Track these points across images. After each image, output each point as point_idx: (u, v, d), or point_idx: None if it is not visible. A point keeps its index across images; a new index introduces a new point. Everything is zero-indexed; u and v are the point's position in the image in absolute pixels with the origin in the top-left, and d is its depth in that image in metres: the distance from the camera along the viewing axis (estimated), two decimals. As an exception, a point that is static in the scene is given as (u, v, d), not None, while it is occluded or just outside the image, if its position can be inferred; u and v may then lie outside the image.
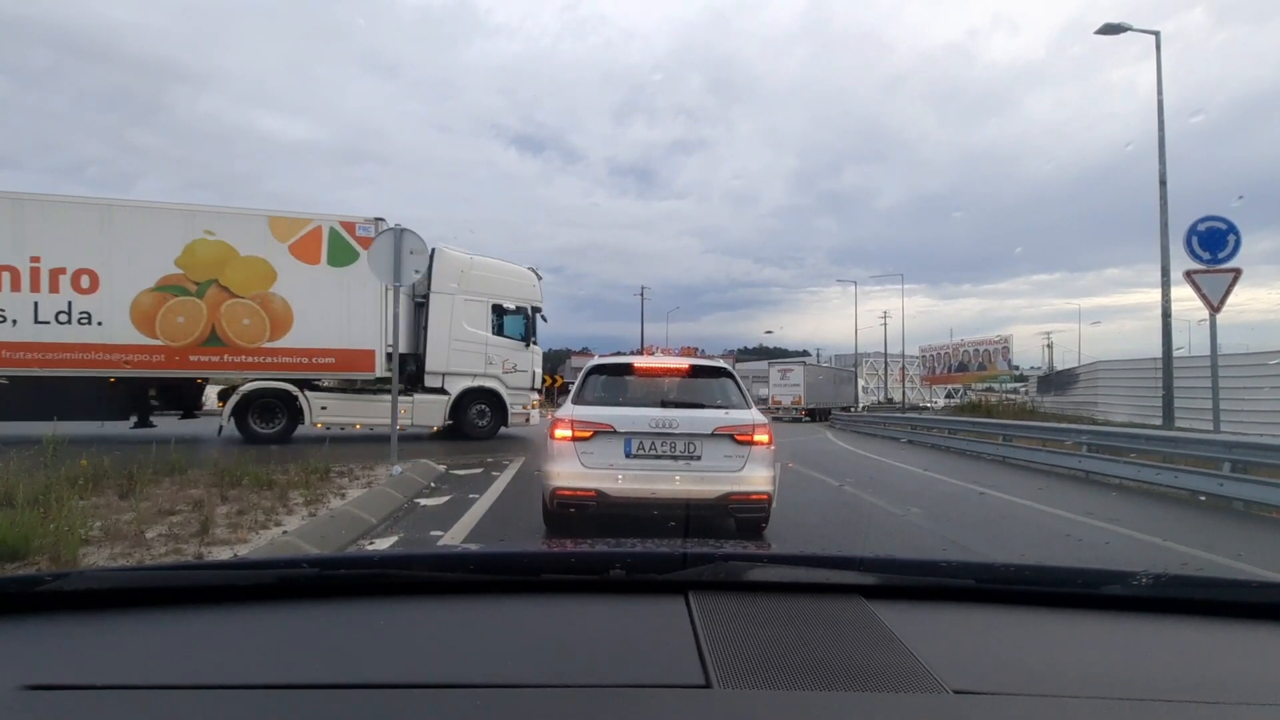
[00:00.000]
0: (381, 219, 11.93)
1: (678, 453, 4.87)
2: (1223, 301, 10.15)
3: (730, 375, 5.60)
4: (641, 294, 54.98)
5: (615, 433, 4.88)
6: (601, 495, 4.80)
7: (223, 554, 4.30)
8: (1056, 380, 36.55)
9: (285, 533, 4.86)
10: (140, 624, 1.03)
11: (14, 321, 10.86)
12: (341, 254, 12.03)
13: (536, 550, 1.39)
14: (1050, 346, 64.66)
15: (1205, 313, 10.34)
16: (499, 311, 13.48)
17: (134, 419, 12.04)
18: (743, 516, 4.98)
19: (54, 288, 10.97)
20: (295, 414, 12.17)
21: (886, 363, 69.39)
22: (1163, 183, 13.78)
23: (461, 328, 13.04)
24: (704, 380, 5.61)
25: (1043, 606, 1.16)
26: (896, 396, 64.71)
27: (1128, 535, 6.33)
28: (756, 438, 4.91)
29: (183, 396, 12.73)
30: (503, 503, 6.95)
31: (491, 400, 13.35)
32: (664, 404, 5.17)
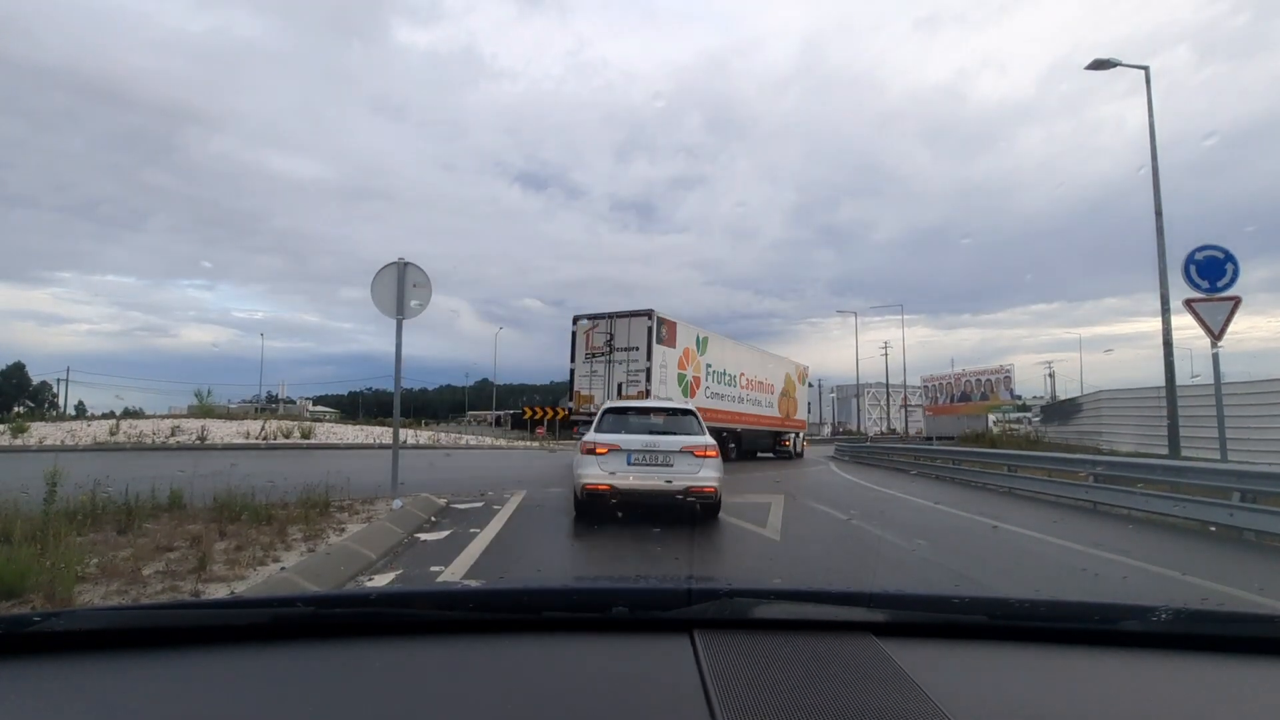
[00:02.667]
0: (808, 367, 29.89)
1: (659, 463, 7.64)
2: (1224, 329, 10.13)
3: (692, 414, 8.48)
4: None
5: (621, 450, 7.65)
6: (613, 488, 7.49)
7: (220, 591, 4.23)
8: (1060, 410, 36.35)
9: (283, 569, 4.79)
10: (132, 665, 1.01)
11: (754, 403, 23.53)
12: (803, 380, 28.86)
13: (538, 587, 1.36)
14: (1052, 375, 64.64)
15: (1206, 341, 10.31)
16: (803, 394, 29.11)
17: (752, 455, 23.99)
18: (702, 503, 7.69)
19: (753, 388, 23.46)
20: (786, 445, 27.04)
21: (889, 393, 69.21)
22: (1158, 213, 13.92)
23: (804, 410, 29.26)
24: (676, 417, 8.42)
25: (1059, 643, 1.13)
26: (899, 427, 64.42)
27: (1142, 568, 6.17)
28: (707, 452, 7.73)
29: (777, 443, 26.32)
30: (503, 538, 6.85)
31: (797, 439, 28.39)
32: (651, 432, 7.95)
